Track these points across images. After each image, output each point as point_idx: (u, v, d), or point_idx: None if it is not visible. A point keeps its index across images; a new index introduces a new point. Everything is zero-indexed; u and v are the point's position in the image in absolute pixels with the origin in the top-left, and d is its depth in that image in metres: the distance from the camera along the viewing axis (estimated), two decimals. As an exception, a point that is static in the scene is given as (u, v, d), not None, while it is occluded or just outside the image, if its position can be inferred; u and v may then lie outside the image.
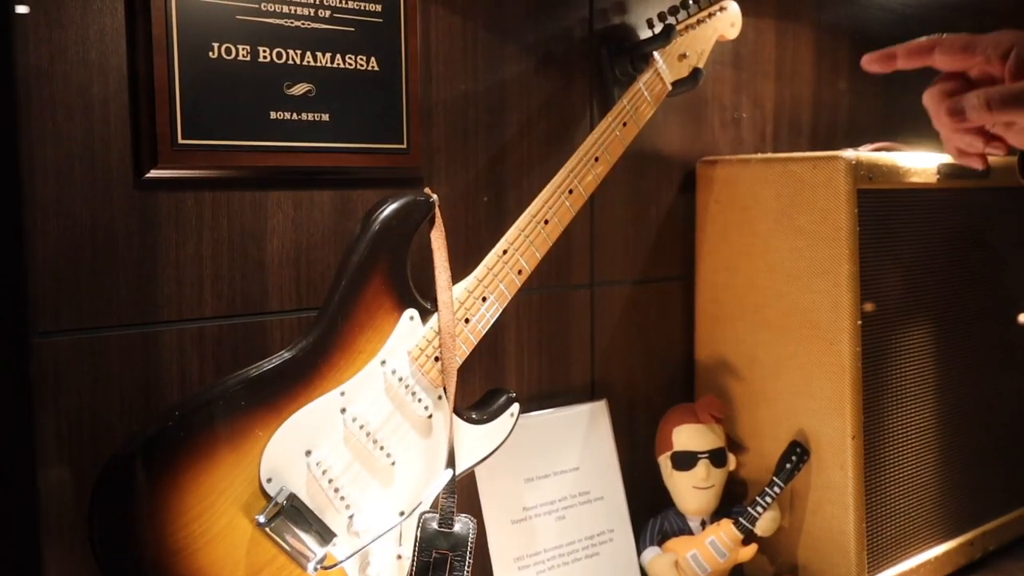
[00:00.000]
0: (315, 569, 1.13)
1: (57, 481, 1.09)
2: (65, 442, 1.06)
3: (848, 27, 2.03)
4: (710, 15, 1.50)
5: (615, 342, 1.68)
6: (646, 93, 1.41)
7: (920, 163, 1.65)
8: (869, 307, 1.58)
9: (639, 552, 1.57)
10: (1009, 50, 0.99)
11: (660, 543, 1.57)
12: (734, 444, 1.65)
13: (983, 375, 1.81)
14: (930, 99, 1.02)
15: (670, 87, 1.44)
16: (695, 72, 1.48)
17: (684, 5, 1.48)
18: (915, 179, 1.61)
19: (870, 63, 1.06)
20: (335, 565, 1.16)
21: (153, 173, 1.15)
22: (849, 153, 1.54)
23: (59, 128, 1.09)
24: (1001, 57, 1.00)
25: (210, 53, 1.16)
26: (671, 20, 1.46)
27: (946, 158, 1.67)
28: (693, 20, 1.48)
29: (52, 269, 1.03)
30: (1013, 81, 0.97)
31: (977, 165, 1.06)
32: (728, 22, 1.53)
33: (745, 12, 1.65)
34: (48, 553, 0.72)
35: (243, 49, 1.19)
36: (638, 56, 1.49)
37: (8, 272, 0.63)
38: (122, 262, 1.17)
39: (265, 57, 1.20)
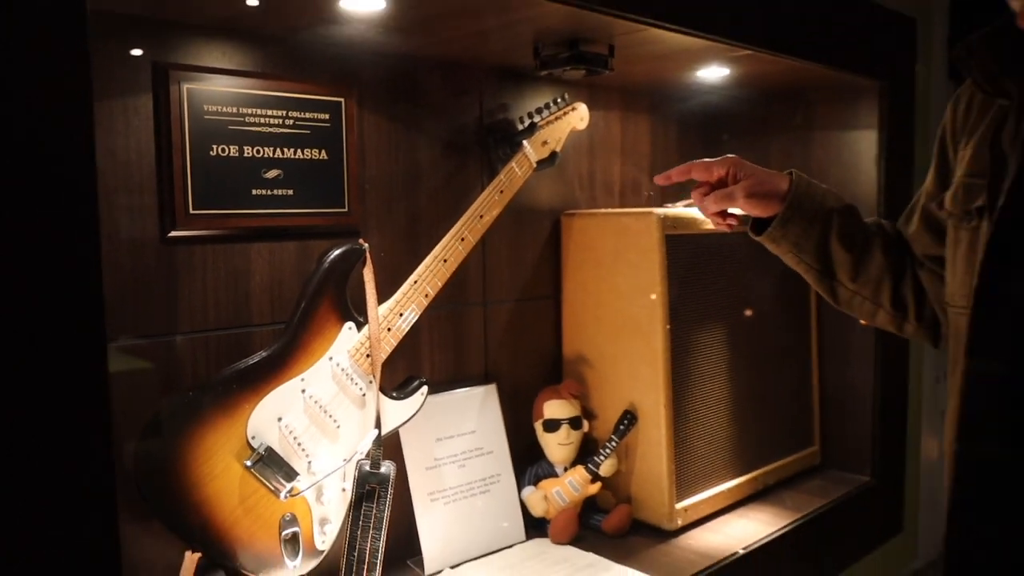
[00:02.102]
0: (285, 497, 1.22)
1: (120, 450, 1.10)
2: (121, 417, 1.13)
3: (674, 115, 2.05)
4: (565, 113, 1.57)
5: (502, 343, 1.70)
6: (517, 170, 1.48)
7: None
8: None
9: (519, 490, 1.62)
10: (731, 166, 1.24)
11: (535, 483, 1.64)
12: (587, 413, 1.70)
13: (761, 361, 1.86)
14: (695, 196, 1.27)
15: (535, 165, 1.51)
16: (553, 154, 1.55)
17: (546, 107, 1.55)
18: (708, 226, 1.65)
19: (659, 179, 1.30)
20: (299, 494, 1.24)
21: (173, 233, 1.22)
22: (659, 210, 1.61)
23: (111, 202, 1.15)
24: (727, 172, 1.25)
25: (211, 152, 1.24)
26: (536, 118, 1.54)
27: (737, 210, 1.82)
28: (552, 117, 1.55)
29: (108, 300, 1.10)
30: (732, 186, 1.23)
31: (727, 230, 1.28)
32: (579, 118, 1.59)
33: (598, 107, 1.74)
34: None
35: (233, 148, 1.26)
36: (513, 143, 1.54)
37: (90, 304, 0.72)
38: (152, 293, 1.22)
39: (248, 153, 1.28)
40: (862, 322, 1.41)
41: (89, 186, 0.71)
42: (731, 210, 1.27)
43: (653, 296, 1.61)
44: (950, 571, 1.00)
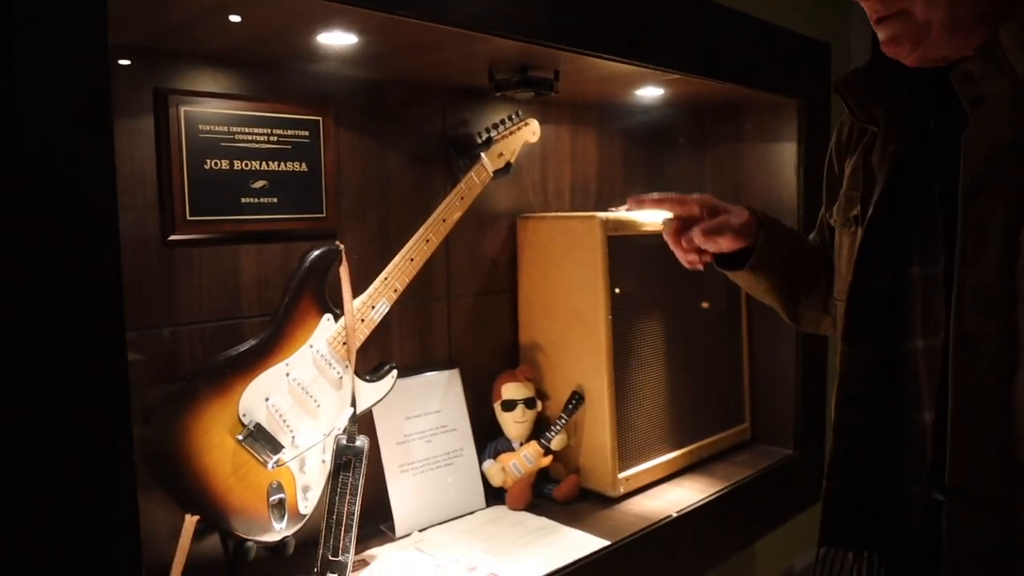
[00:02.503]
0: (272, 467, 1.31)
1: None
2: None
3: (618, 127, 2.14)
4: (518, 128, 1.66)
5: (464, 332, 1.77)
6: (475, 179, 1.57)
7: (652, 218, 1.77)
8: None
9: (480, 462, 1.70)
10: (703, 204, 1.29)
11: (494, 457, 1.71)
12: (540, 394, 1.78)
13: (695, 346, 1.94)
14: (666, 234, 1.31)
15: (492, 174, 1.60)
16: (508, 165, 1.64)
17: (501, 123, 1.64)
18: (647, 229, 1.77)
19: (631, 203, 1.33)
20: (283, 464, 1.32)
21: (173, 237, 1.30)
22: (602, 214, 1.71)
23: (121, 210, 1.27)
24: (700, 208, 1.29)
25: (205, 165, 1.32)
26: (492, 133, 1.63)
27: (671, 214, 1.90)
28: (507, 132, 1.64)
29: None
30: (707, 223, 1.26)
31: (700, 268, 1.33)
32: (531, 132, 1.68)
33: (549, 121, 1.84)
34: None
35: (224, 162, 1.35)
36: (472, 155, 1.61)
37: (110, 294, 0.79)
38: (155, 289, 1.29)
39: (237, 166, 1.36)
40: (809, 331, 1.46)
41: (110, 195, 0.80)
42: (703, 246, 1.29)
43: (597, 291, 1.71)
44: (826, 514, 1.13)
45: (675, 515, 1.68)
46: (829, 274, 1.33)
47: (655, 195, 1.31)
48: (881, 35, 1.05)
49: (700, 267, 1.31)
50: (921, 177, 1.06)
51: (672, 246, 1.31)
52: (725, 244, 1.27)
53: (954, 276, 0.99)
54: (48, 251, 0.76)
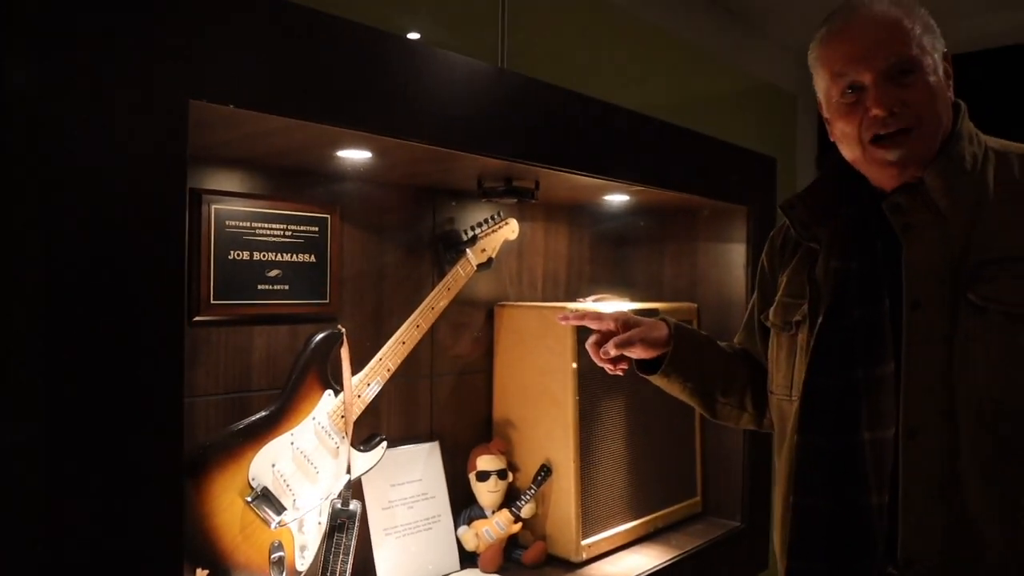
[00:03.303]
0: (275, 527, 1.41)
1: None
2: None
3: (587, 226, 2.32)
4: (500, 227, 1.82)
5: (444, 408, 1.88)
6: (461, 272, 1.72)
7: (613, 308, 1.79)
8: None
9: (456, 528, 1.78)
10: (618, 320, 1.44)
11: (468, 523, 1.79)
12: (511, 466, 1.87)
13: (653, 425, 2.06)
14: (591, 347, 1.45)
15: (475, 268, 1.75)
16: (489, 260, 1.79)
17: (485, 222, 1.80)
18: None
19: (560, 320, 1.49)
20: (285, 524, 1.43)
21: (197, 318, 1.40)
22: (572, 305, 1.88)
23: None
24: (616, 323, 1.44)
25: (229, 256, 1.45)
26: (477, 231, 1.79)
27: (635, 305, 2.02)
28: (489, 231, 1.80)
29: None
30: (619, 337, 1.40)
31: (620, 374, 1.46)
32: (511, 230, 1.84)
33: (526, 220, 2.01)
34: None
35: (245, 253, 1.47)
36: (458, 250, 1.76)
37: (175, 367, 0.99)
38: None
39: (257, 257, 1.49)
40: (730, 425, 1.57)
41: (180, 268, 1.01)
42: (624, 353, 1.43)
43: (566, 372, 1.85)
44: None
45: (633, 580, 1.80)
46: (749, 373, 1.45)
47: (577, 312, 1.47)
48: (889, 156, 1.15)
49: (620, 373, 1.44)
50: (863, 290, 1.20)
51: (592, 355, 1.44)
52: (637, 353, 1.41)
53: (900, 376, 1.14)
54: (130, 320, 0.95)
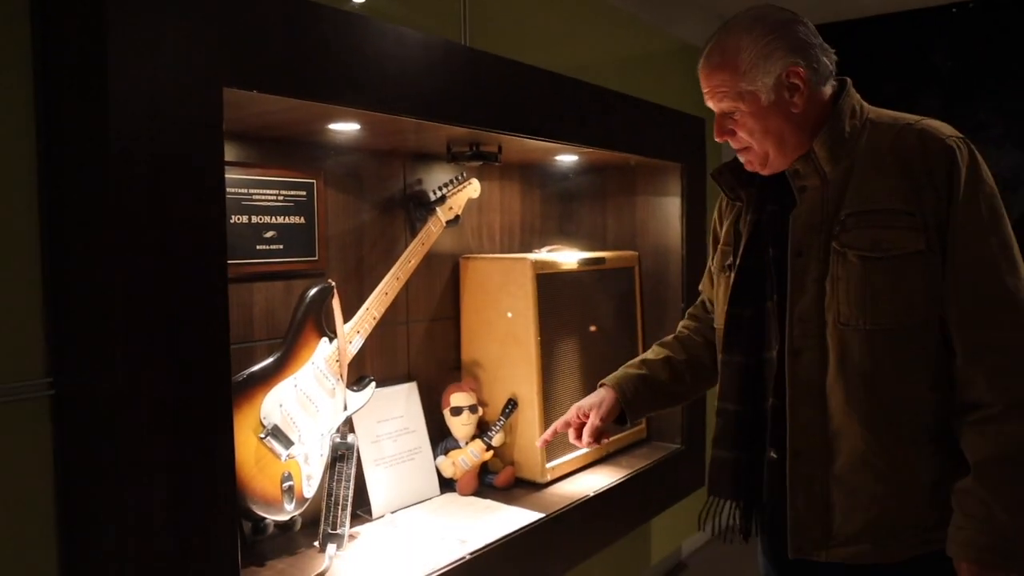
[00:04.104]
0: (285, 459, 1.55)
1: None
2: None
3: (538, 185, 2.47)
4: (464, 187, 1.94)
5: (420, 351, 2.03)
6: (432, 228, 1.85)
7: (570, 258, 2.12)
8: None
9: (434, 458, 1.94)
10: (577, 413, 1.64)
11: (445, 453, 1.96)
12: (481, 401, 2.02)
13: (605, 360, 2.17)
14: (573, 440, 1.65)
15: (444, 224, 1.88)
16: (456, 217, 1.92)
17: (450, 183, 1.93)
18: (566, 267, 2.09)
19: (540, 444, 1.69)
20: (293, 457, 1.56)
21: None
22: (532, 255, 2.03)
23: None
24: (576, 417, 1.64)
25: (232, 220, 1.56)
26: (444, 191, 1.91)
27: (584, 255, 2.19)
28: (455, 190, 1.92)
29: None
30: (585, 434, 1.61)
31: (606, 441, 1.66)
32: (474, 190, 1.97)
33: (484, 180, 2.11)
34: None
35: (244, 217, 1.60)
36: (428, 209, 1.89)
37: (222, 316, 1.20)
38: None
39: (254, 220, 1.61)
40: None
41: (222, 221, 1.16)
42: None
43: (528, 317, 2.02)
44: (711, 473, 1.50)
45: (591, 495, 2.00)
46: (687, 359, 1.67)
47: (547, 435, 1.67)
48: (740, 158, 1.44)
49: (605, 440, 1.65)
50: (758, 242, 1.46)
51: (575, 442, 1.66)
52: (611, 419, 1.64)
53: (786, 308, 1.40)
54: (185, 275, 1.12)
